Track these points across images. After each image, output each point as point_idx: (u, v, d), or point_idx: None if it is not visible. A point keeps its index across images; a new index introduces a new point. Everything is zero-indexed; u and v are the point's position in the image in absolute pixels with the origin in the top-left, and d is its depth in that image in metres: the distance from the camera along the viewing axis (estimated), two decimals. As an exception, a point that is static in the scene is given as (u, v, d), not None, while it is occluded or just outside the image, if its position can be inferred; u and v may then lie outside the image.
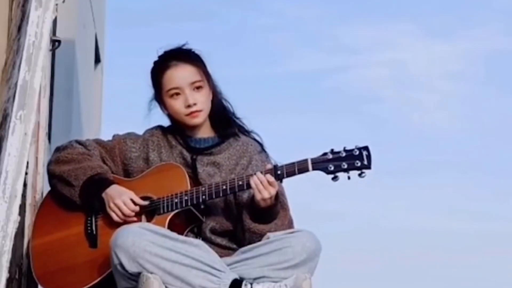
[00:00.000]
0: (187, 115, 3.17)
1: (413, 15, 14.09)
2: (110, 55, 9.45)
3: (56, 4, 3.47)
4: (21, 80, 3.07)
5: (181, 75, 3.17)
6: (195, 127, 3.22)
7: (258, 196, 2.99)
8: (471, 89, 14.62)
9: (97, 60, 8.71)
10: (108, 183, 3.13)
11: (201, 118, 3.18)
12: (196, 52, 3.24)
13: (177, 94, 3.17)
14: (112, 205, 3.09)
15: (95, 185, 3.13)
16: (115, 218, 3.08)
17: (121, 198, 3.08)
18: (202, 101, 3.17)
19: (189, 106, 3.15)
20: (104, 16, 8.89)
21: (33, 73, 3.09)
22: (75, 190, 3.15)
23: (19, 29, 3.30)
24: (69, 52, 6.17)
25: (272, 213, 3.05)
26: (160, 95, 3.21)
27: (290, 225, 3.12)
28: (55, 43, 3.91)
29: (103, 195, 3.11)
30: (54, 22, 4.69)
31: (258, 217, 3.05)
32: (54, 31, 4.91)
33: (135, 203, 3.09)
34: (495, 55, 14.08)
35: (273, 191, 2.99)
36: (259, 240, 3.03)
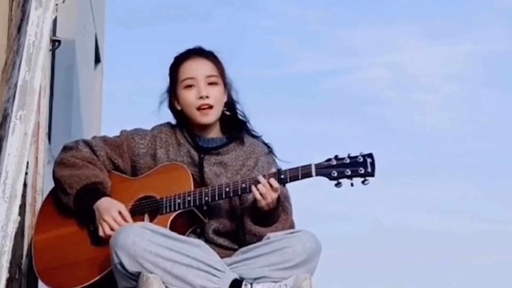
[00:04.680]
0: (198, 108, 3.16)
1: (414, 16, 14.10)
2: (110, 55, 9.46)
3: (56, 4, 3.47)
4: (21, 80, 3.07)
5: (197, 66, 3.19)
6: (204, 126, 3.21)
7: (261, 201, 2.99)
8: (472, 91, 14.63)
9: (97, 60, 8.70)
10: (99, 194, 3.13)
11: (212, 116, 3.18)
12: (217, 54, 3.26)
13: (192, 85, 3.17)
14: (101, 221, 3.08)
15: (87, 197, 3.14)
16: (101, 233, 3.08)
17: (110, 213, 3.08)
18: (215, 96, 3.17)
19: (201, 98, 3.15)
20: (104, 16, 8.89)
21: (33, 73, 3.09)
22: (70, 199, 3.17)
23: (19, 29, 3.30)
24: (69, 52, 6.16)
25: (273, 216, 3.05)
26: (175, 88, 3.21)
27: (291, 228, 3.11)
28: (55, 43, 3.91)
29: (94, 207, 3.12)
30: (54, 22, 4.69)
31: (259, 219, 3.05)
32: (54, 31, 4.91)
33: (124, 217, 3.09)
34: (496, 56, 14.09)
35: (274, 195, 3.00)
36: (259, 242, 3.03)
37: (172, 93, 3.23)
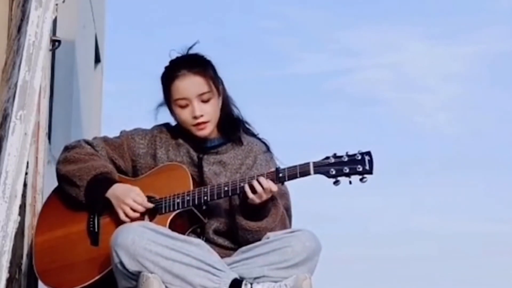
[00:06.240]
0: (194, 125, 3.17)
1: (415, 17, 14.12)
2: (110, 55, 9.46)
3: (56, 4, 3.47)
4: (21, 80, 3.07)
5: (189, 86, 3.16)
6: None
7: (254, 198, 2.99)
8: (473, 91, 14.64)
9: (97, 60, 8.71)
10: (110, 182, 3.14)
11: (208, 129, 3.18)
12: (207, 58, 3.24)
13: (185, 104, 3.17)
14: (122, 204, 3.09)
15: (98, 186, 3.14)
16: (123, 217, 3.08)
17: (130, 196, 3.09)
18: (209, 112, 3.17)
19: (195, 118, 3.16)
20: (104, 16, 8.89)
21: (33, 73, 3.09)
22: (80, 190, 3.17)
23: (19, 29, 3.30)
24: (69, 52, 6.17)
25: (264, 210, 3.05)
26: (169, 102, 3.21)
27: (283, 221, 3.12)
28: (55, 43, 3.91)
29: (107, 195, 3.12)
30: (54, 22, 4.69)
31: (249, 214, 3.05)
32: (54, 31, 4.92)
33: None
34: (497, 57, 14.09)
35: (270, 195, 3.00)
36: (252, 237, 3.05)
37: (168, 104, 3.23)
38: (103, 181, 3.14)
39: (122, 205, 3.09)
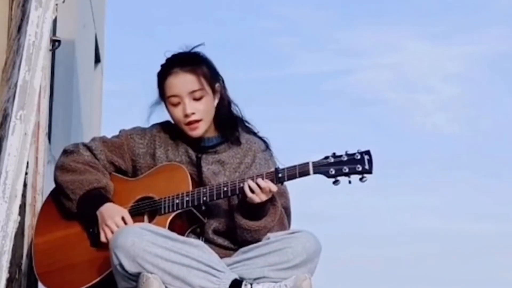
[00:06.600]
0: (186, 124, 3.16)
1: (416, 17, 14.11)
2: (110, 55, 9.46)
3: (56, 4, 3.47)
4: (21, 80, 3.07)
5: (180, 83, 3.16)
6: None
7: (253, 198, 2.99)
8: (473, 92, 14.64)
9: (97, 60, 8.71)
10: (103, 199, 3.13)
11: (201, 129, 3.17)
12: (203, 56, 3.23)
13: (177, 102, 3.16)
14: (103, 226, 3.08)
15: (90, 202, 3.14)
16: (103, 238, 3.07)
17: (113, 219, 3.07)
18: (201, 110, 3.16)
19: (186, 116, 3.15)
20: (104, 16, 8.89)
21: (33, 73, 3.09)
22: (73, 204, 3.17)
23: (19, 29, 3.30)
24: (69, 52, 6.17)
25: (262, 210, 3.05)
26: (164, 100, 3.21)
27: (281, 220, 3.12)
28: (55, 43, 3.91)
29: (97, 213, 3.12)
30: (54, 22, 4.69)
31: (248, 213, 3.05)
32: (54, 31, 4.91)
33: (126, 222, 3.08)
34: (497, 57, 14.09)
35: (269, 195, 3.00)
36: (251, 237, 3.05)
37: (164, 102, 3.23)
38: (95, 198, 3.14)
39: (103, 226, 3.09)
